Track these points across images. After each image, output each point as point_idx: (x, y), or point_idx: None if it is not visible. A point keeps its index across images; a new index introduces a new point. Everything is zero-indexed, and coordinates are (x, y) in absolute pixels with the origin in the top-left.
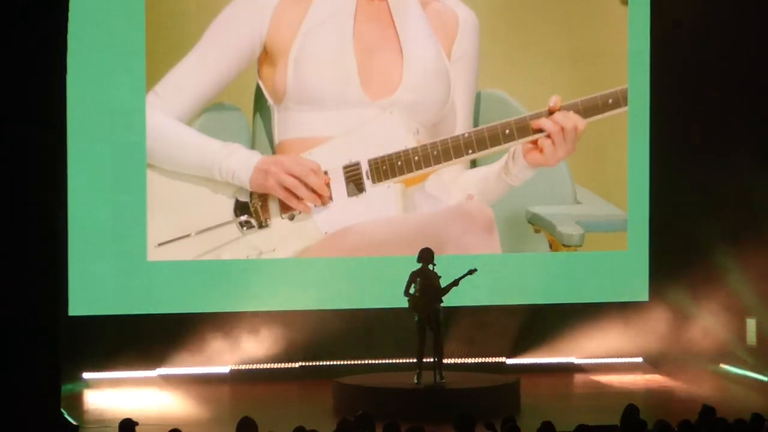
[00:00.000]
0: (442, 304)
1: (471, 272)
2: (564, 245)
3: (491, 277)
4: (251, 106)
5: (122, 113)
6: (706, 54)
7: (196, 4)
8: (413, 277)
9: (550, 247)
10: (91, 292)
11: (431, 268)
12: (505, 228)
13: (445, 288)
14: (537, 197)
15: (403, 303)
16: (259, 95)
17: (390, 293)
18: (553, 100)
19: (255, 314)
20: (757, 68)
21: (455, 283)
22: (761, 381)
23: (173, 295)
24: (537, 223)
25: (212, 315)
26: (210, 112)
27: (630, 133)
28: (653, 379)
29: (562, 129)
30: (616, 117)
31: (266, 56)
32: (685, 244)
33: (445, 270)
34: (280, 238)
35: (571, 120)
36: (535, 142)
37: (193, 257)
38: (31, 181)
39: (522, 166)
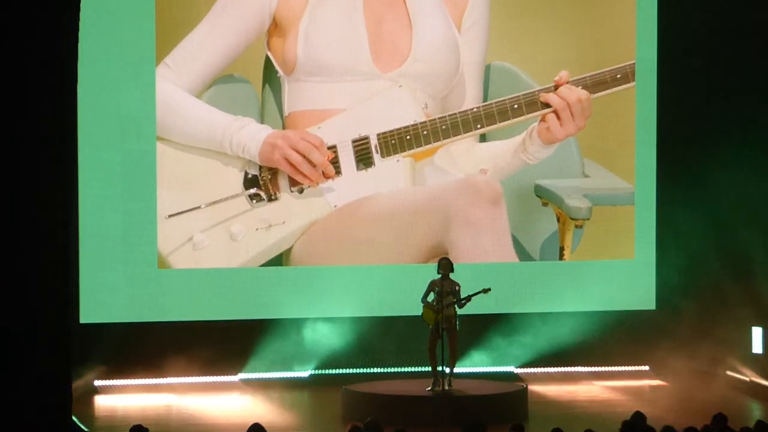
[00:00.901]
0: (455, 315)
1: (485, 291)
2: (571, 218)
3: (501, 285)
4: (260, 78)
5: (132, 121)
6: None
7: (206, 11)
8: (432, 285)
9: (558, 220)
10: (101, 299)
11: (450, 278)
12: (512, 201)
13: (458, 301)
14: (545, 171)
15: (418, 311)
16: (268, 67)
17: (402, 300)
18: (560, 75)
19: (263, 322)
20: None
21: (468, 298)
22: (764, 388)
23: (182, 304)
24: (544, 196)
25: (221, 323)
26: (219, 84)
27: (638, 109)
28: (660, 387)
29: (567, 104)
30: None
31: (276, 27)
32: (691, 254)
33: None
34: (290, 211)
35: (575, 94)
36: (544, 118)
37: (204, 229)
38: (42, 190)
39: (538, 144)
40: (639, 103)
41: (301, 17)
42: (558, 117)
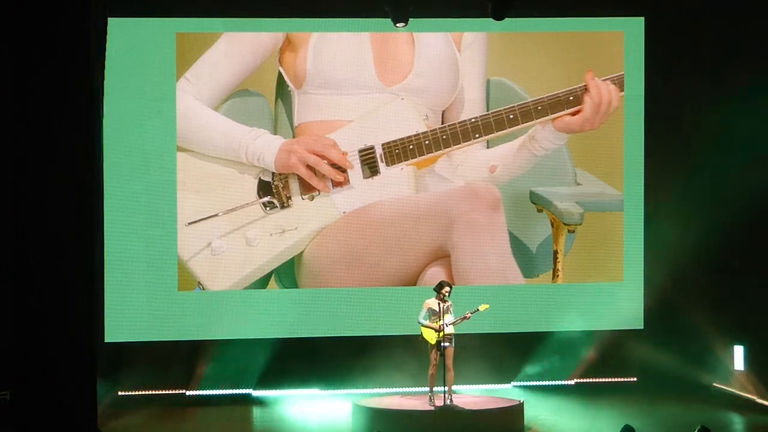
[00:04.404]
0: (449, 332)
1: (479, 310)
2: (564, 223)
3: (497, 306)
4: (273, 92)
5: (155, 154)
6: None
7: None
8: (426, 306)
9: (552, 225)
10: (125, 320)
11: (445, 299)
12: (510, 207)
13: (455, 321)
14: (540, 179)
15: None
16: (280, 82)
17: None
18: (590, 75)
19: (276, 341)
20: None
21: (464, 317)
22: (749, 402)
23: (201, 324)
24: (539, 202)
25: (236, 341)
26: (235, 98)
27: (626, 121)
28: (648, 400)
29: (608, 101)
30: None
31: (288, 44)
32: (677, 273)
33: (463, 298)
34: (301, 217)
35: (613, 93)
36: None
37: (222, 235)
38: (70, 218)
39: (550, 131)
40: (627, 116)
41: (312, 34)
42: (597, 110)
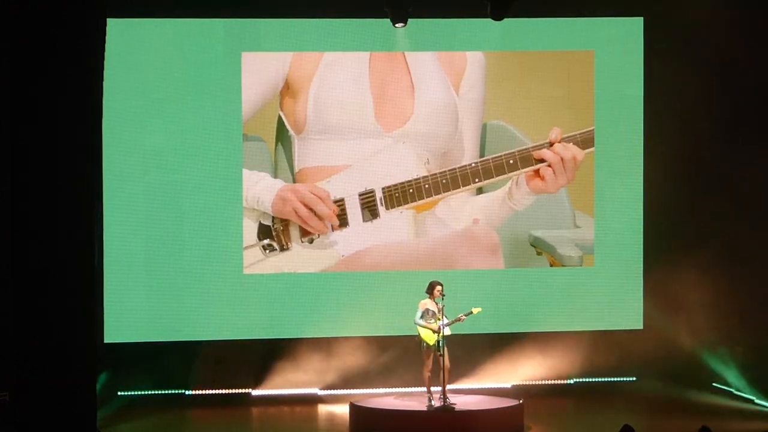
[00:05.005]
0: (447, 333)
1: (473, 312)
2: (564, 266)
3: (496, 305)
4: (273, 136)
5: (154, 155)
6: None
7: (223, 54)
8: (422, 307)
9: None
10: (124, 321)
11: (439, 299)
12: (509, 250)
13: (448, 322)
14: (539, 222)
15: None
16: (280, 126)
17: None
18: (554, 133)
19: (276, 341)
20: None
21: (458, 319)
22: (748, 401)
23: (200, 324)
24: (539, 245)
25: (236, 342)
26: None
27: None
28: (647, 399)
29: (562, 159)
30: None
31: (288, 89)
32: (676, 274)
33: (460, 287)
34: (301, 260)
35: (570, 151)
36: (537, 171)
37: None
38: (70, 218)
39: (524, 192)
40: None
41: (312, 80)
42: (553, 171)
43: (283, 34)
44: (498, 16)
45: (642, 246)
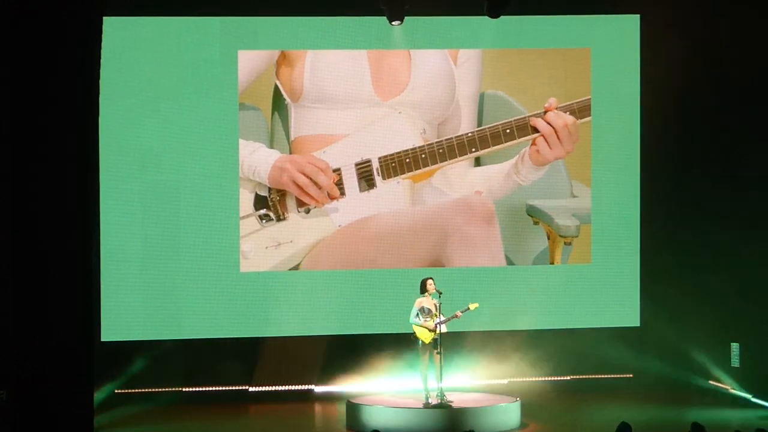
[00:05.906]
0: (444, 331)
1: (470, 308)
2: (561, 236)
3: (494, 304)
4: (269, 105)
5: (151, 154)
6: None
7: (220, 53)
8: (418, 305)
9: (548, 238)
10: (121, 319)
11: (434, 297)
12: (505, 220)
13: (445, 320)
14: (536, 191)
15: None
16: (276, 95)
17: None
18: (549, 102)
19: (272, 339)
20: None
21: (454, 316)
22: (744, 399)
23: (196, 323)
24: (536, 215)
25: (232, 340)
26: None
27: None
28: (644, 397)
29: (555, 129)
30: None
31: (284, 58)
32: (673, 272)
33: (456, 284)
34: (297, 230)
35: (562, 119)
36: (534, 141)
37: None
38: (67, 217)
39: (529, 166)
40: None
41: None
42: (546, 141)
43: (280, 31)
44: (495, 14)
45: (639, 246)
